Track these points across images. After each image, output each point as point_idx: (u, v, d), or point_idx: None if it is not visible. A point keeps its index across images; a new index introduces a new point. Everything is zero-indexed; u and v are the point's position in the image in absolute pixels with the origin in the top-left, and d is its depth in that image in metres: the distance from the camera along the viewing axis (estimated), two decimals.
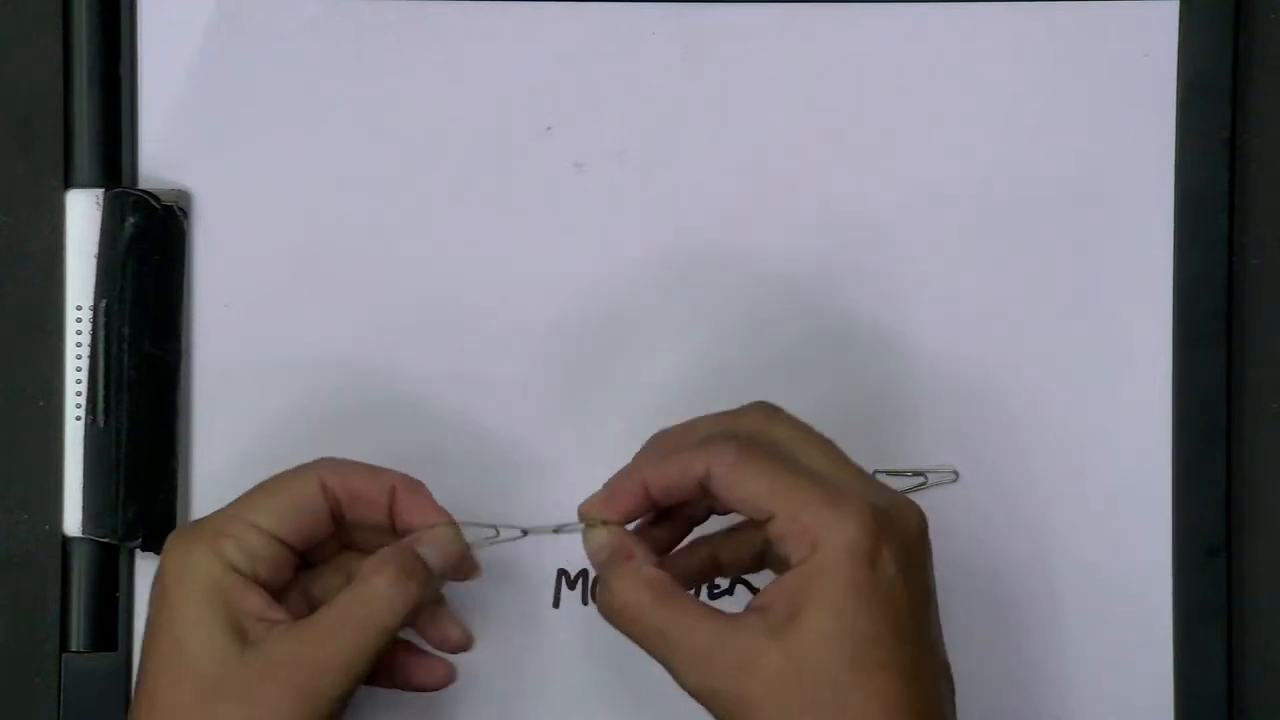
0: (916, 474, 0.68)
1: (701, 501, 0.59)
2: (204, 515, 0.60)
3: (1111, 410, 0.68)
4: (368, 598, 0.58)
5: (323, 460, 0.61)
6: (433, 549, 0.60)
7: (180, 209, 0.67)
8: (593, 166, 0.68)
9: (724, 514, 0.60)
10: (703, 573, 0.61)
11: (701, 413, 0.67)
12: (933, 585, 0.57)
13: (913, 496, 0.66)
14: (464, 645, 0.62)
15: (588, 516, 0.59)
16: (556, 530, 0.60)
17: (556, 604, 0.68)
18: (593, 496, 0.59)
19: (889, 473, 0.67)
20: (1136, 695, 0.68)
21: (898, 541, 0.55)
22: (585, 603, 0.67)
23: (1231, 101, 0.68)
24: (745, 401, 0.66)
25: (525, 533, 0.61)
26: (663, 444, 0.59)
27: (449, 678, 0.62)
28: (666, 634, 0.56)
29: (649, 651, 0.56)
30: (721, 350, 0.68)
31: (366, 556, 0.60)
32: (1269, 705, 0.68)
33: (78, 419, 0.66)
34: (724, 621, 0.55)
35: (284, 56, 0.68)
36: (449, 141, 0.68)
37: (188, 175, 0.67)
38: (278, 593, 0.59)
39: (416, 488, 0.60)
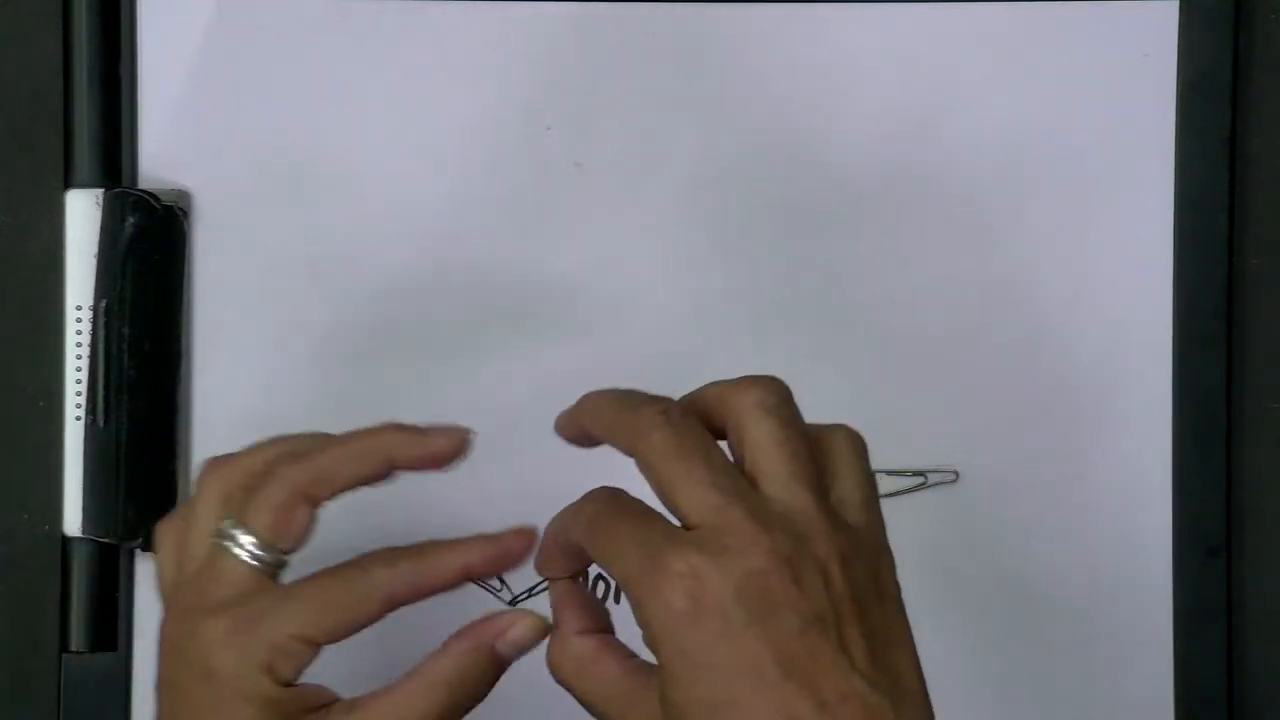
0: (916, 474, 0.68)
1: None
2: (244, 603, 0.56)
3: (1111, 410, 0.68)
4: (435, 703, 0.56)
5: (381, 565, 0.57)
6: (514, 648, 0.57)
7: (180, 209, 0.67)
8: (593, 166, 0.68)
9: None
10: None
11: None
12: (829, 612, 0.51)
13: (913, 496, 0.66)
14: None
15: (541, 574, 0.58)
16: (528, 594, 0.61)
17: None
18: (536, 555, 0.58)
19: (889, 472, 0.67)
20: (1136, 695, 0.68)
21: (728, 594, 0.50)
22: None
23: (1231, 101, 0.69)
24: None
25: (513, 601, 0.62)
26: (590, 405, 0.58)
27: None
28: (592, 705, 0.55)
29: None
30: (722, 349, 0.68)
31: None
32: (1269, 705, 0.69)
33: (78, 419, 0.66)
34: (637, 687, 0.54)
35: (284, 57, 0.68)
36: (449, 141, 0.68)
37: (188, 175, 0.68)
38: None
39: (491, 552, 0.58)
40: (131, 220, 0.66)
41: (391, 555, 0.57)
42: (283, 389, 0.67)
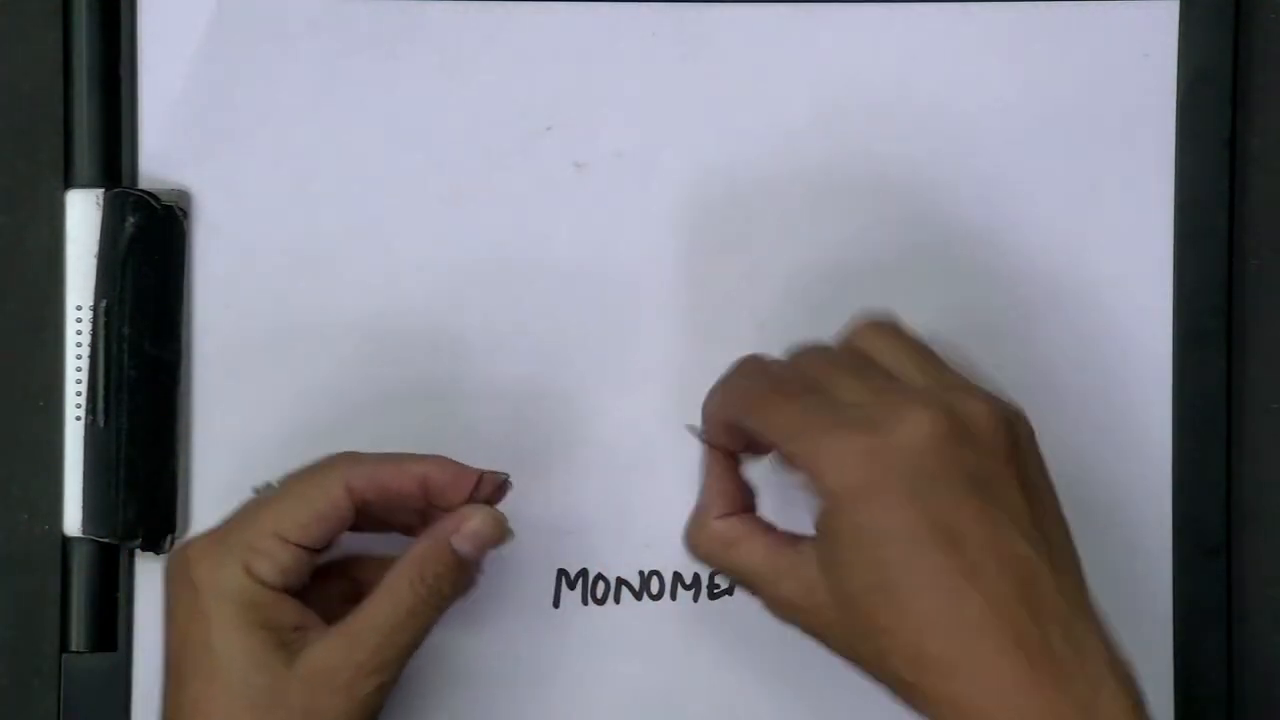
0: None
1: None
2: (226, 522, 0.60)
3: (1111, 410, 0.68)
4: (401, 604, 0.59)
5: (344, 459, 0.60)
6: (470, 541, 0.60)
7: (180, 209, 0.67)
8: (593, 166, 0.68)
9: None
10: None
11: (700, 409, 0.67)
12: (989, 477, 0.55)
13: None
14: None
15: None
16: None
17: (556, 604, 0.68)
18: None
19: None
20: None
21: (894, 469, 0.54)
22: (585, 603, 0.67)
23: (1231, 101, 0.68)
24: None
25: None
26: (746, 369, 0.60)
27: (475, 580, 0.62)
28: (742, 578, 0.59)
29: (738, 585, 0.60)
30: (722, 349, 0.68)
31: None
32: (1269, 705, 0.68)
33: (78, 419, 0.66)
34: (787, 559, 0.57)
35: (284, 56, 0.68)
36: (449, 141, 0.68)
37: (188, 175, 0.67)
38: (303, 592, 0.60)
39: (450, 472, 0.60)
40: (131, 220, 0.66)
41: (358, 454, 0.61)
42: (283, 389, 0.67)
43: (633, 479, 0.68)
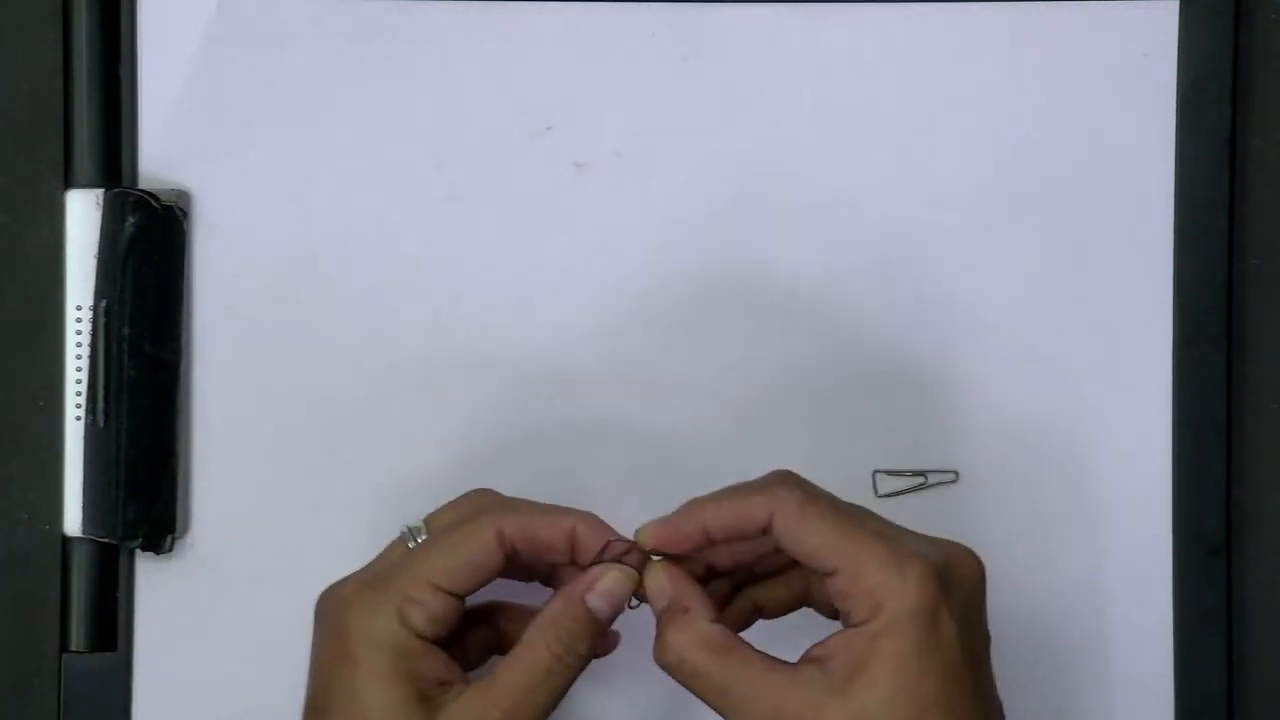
0: (916, 474, 0.68)
1: (760, 547, 0.59)
2: (379, 567, 0.59)
3: (1111, 410, 0.68)
4: (539, 664, 0.58)
5: (494, 506, 0.60)
6: (605, 599, 0.59)
7: (180, 209, 0.67)
8: (593, 166, 0.68)
9: (775, 568, 0.60)
10: (747, 618, 0.61)
11: (702, 410, 0.67)
12: (988, 632, 0.57)
13: (913, 496, 0.66)
14: (610, 650, 0.62)
15: (641, 541, 0.59)
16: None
17: None
18: (649, 525, 0.59)
19: (889, 473, 0.68)
20: (1137, 695, 0.68)
21: (957, 599, 0.55)
22: None
23: (1231, 101, 0.68)
24: (747, 396, 0.66)
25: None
26: (702, 504, 0.59)
27: (615, 644, 0.62)
28: (726, 690, 0.56)
29: (708, 705, 0.56)
30: (721, 349, 0.68)
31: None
32: (1269, 705, 0.69)
33: (78, 419, 0.66)
34: (784, 675, 0.55)
35: (284, 57, 0.68)
36: (449, 141, 0.68)
37: (188, 175, 0.68)
38: (449, 642, 0.59)
39: (595, 524, 0.60)
40: (131, 220, 0.66)
41: (505, 500, 0.60)
42: (282, 389, 0.67)
43: (632, 479, 0.68)
